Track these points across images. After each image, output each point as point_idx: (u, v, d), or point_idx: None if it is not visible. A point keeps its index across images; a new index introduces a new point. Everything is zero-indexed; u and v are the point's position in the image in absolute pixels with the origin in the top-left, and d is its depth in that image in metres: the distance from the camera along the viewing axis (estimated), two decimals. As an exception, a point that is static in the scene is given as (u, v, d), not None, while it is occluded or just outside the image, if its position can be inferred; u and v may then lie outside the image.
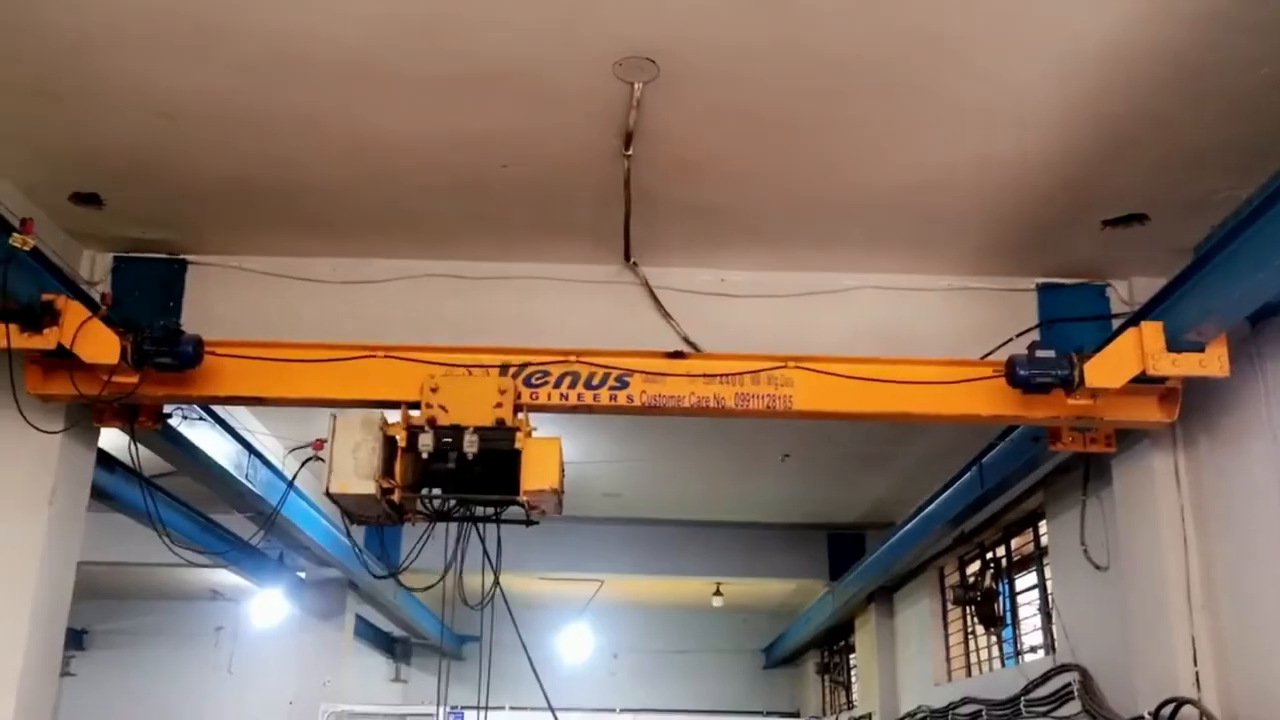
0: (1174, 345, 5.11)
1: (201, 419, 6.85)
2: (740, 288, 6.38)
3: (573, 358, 5.58)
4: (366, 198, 5.73)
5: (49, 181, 5.52)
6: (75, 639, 14.72)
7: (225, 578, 12.64)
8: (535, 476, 5.11)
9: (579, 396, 5.56)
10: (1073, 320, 6.32)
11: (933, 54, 4.50)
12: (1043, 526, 8.60)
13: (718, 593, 15.40)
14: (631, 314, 6.31)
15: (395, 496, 5.10)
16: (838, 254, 6.25)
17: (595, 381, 5.56)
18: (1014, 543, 9.54)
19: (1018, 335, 6.15)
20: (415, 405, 5.24)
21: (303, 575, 11.60)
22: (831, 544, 13.52)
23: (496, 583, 5.66)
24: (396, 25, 4.34)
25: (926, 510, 9.38)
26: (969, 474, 8.20)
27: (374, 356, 5.55)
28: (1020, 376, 5.28)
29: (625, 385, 5.57)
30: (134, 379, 5.27)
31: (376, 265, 6.28)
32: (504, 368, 5.47)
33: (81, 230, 6.06)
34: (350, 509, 5.25)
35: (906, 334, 6.27)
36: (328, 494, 5.03)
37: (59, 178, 5.51)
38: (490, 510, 5.40)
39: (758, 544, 13.50)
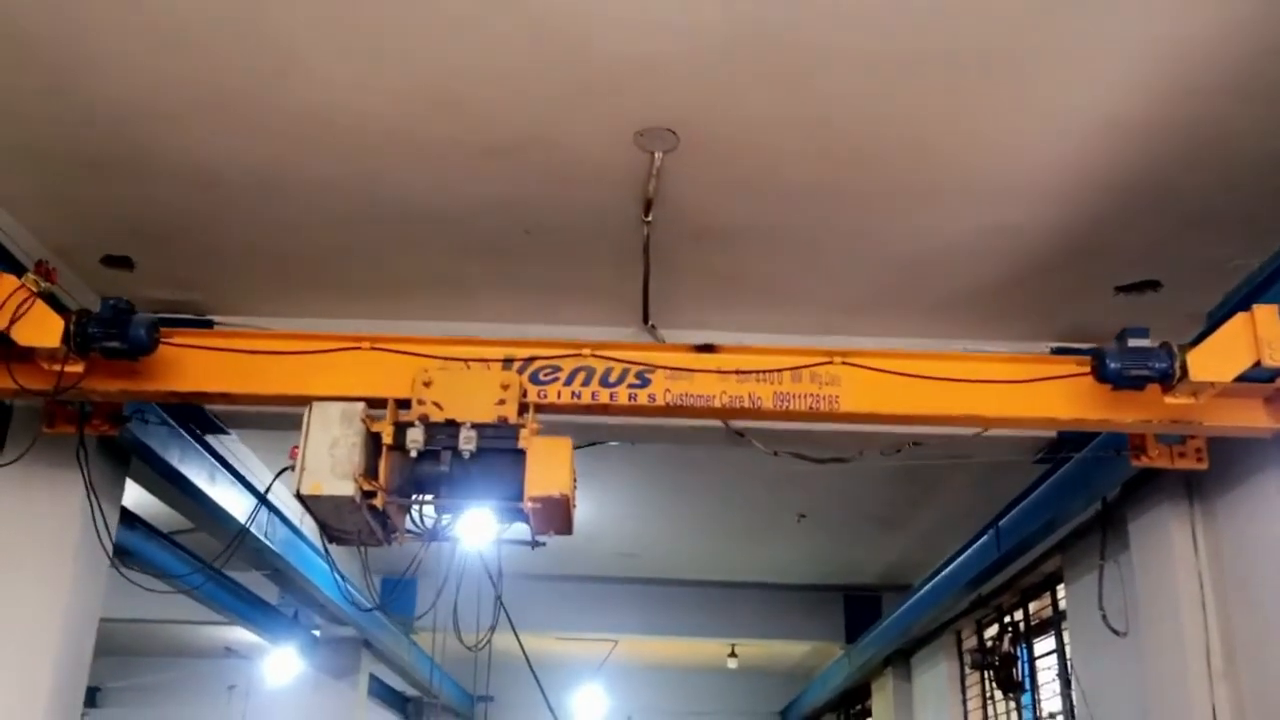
0: None
1: (221, 471, 6.92)
2: (756, 351, 6.43)
3: (587, 351, 4.87)
4: (392, 261, 5.84)
5: (82, 244, 5.65)
6: (89, 696, 14.59)
7: (239, 635, 12.62)
8: (542, 480, 4.32)
9: (593, 395, 4.81)
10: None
11: (948, 130, 4.61)
12: (1061, 590, 8.56)
13: (733, 654, 15.30)
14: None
15: (378, 502, 4.29)
16: (852, 318, 6.32)
17: (613, 379, 4.82)
18: (1032, 607, 9.48)
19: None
20: (406, 404, 4.52)
21: (317, 633, 11.58)
22: (848, 606, 13.45)
23: (499, 600, 5.21)
24: (422, 98, 4.48)
25: (943, 573, 9.35)
26: (986, 536, 8.20)
27: (359, 348, 4.82)
28: (1110, 370, 4.49)
29: (646, 383, 4.83)
30: (79, 368, 4.57)
31: (401, 327, 6.37)
32: (508, 361, 4.79)
33: (111, 291, 6.13)
34: (326, 518, 4.42)
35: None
36: (298, 496, 4.25)
37: (93, 241, 5.64)
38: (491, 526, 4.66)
39: (773, 605, 13.43)
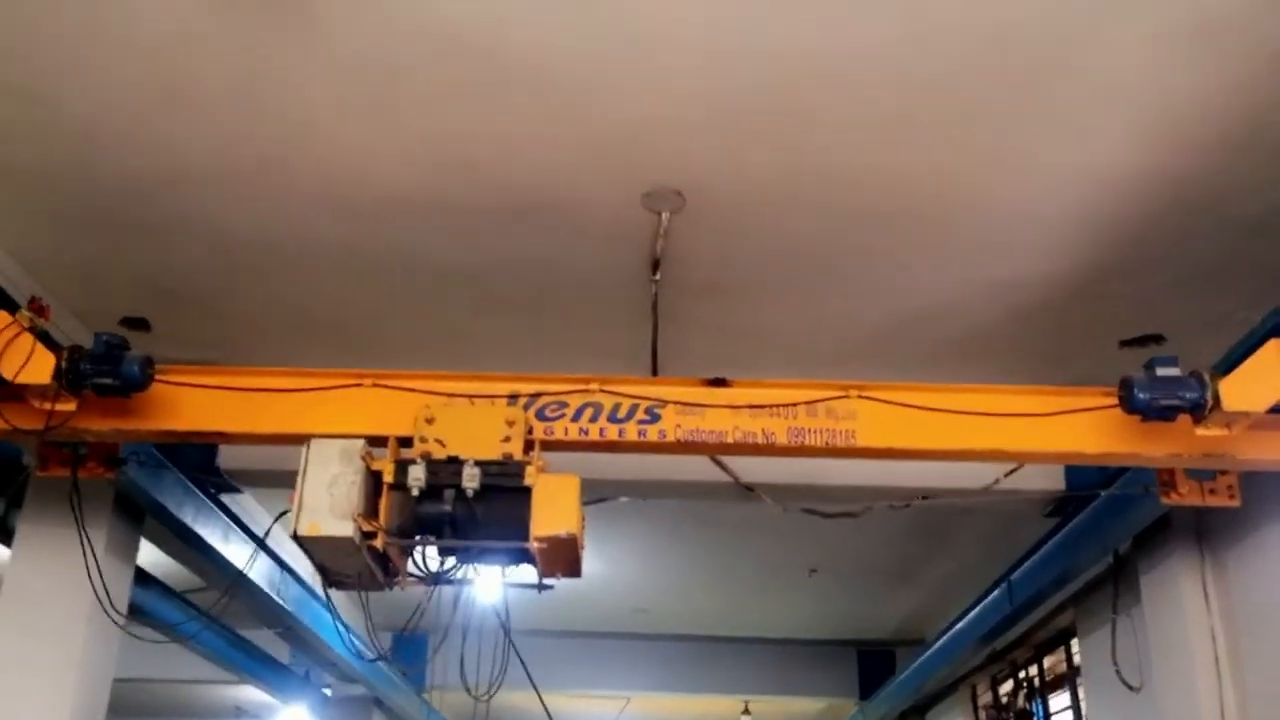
0: None
1: (234, 530, 6.96)
2: (765, 405, 6.47)
3: (595, 386, 4.69)
4: (404, 318, 5.93)
5: (101, 307, 5.76)
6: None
7: (250, 694, 12.56)
8: (549, 519, 4.14)
9: (601, 431, 4.66)
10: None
11: (947, 185, 4.70)
12: (1075, 645, 8.51)
13: (746, 711, 15.14)
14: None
15: (378, 543, 4.17)
16: (859, 372, 6.34)
17: (621, 414, 4.66)
18: (1046, 661, 9.42)
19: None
20: (408, 442, 4.38)
21: (328, 692, 11.54)
22: (861, 661, 13.36)
23: (510, 644, 5.10)
24: (435, 163, 4.60)
25: (956, 627, 9.29)
26: (998, 590, 8.17)
27: (360, 385, 4.67)
28: (1139, 401, 4.28)
29: (656, 419, 4.66)
30: (71, 406, 4.42)
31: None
32: (513, 397, 4.65)
33: (128, 352, 6.29)
34: (325, 560, 4.29)
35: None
36: (295, 537, 4.14)
37: (111, 304, 5.74)
38: (494, 568, 4.48)
39: (786, 661, 13.35)
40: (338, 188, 4.77)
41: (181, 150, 4.53)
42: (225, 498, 6.86)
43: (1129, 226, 4.90)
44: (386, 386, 4.66)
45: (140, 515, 6.17)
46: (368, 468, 4.20)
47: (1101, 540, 6.51)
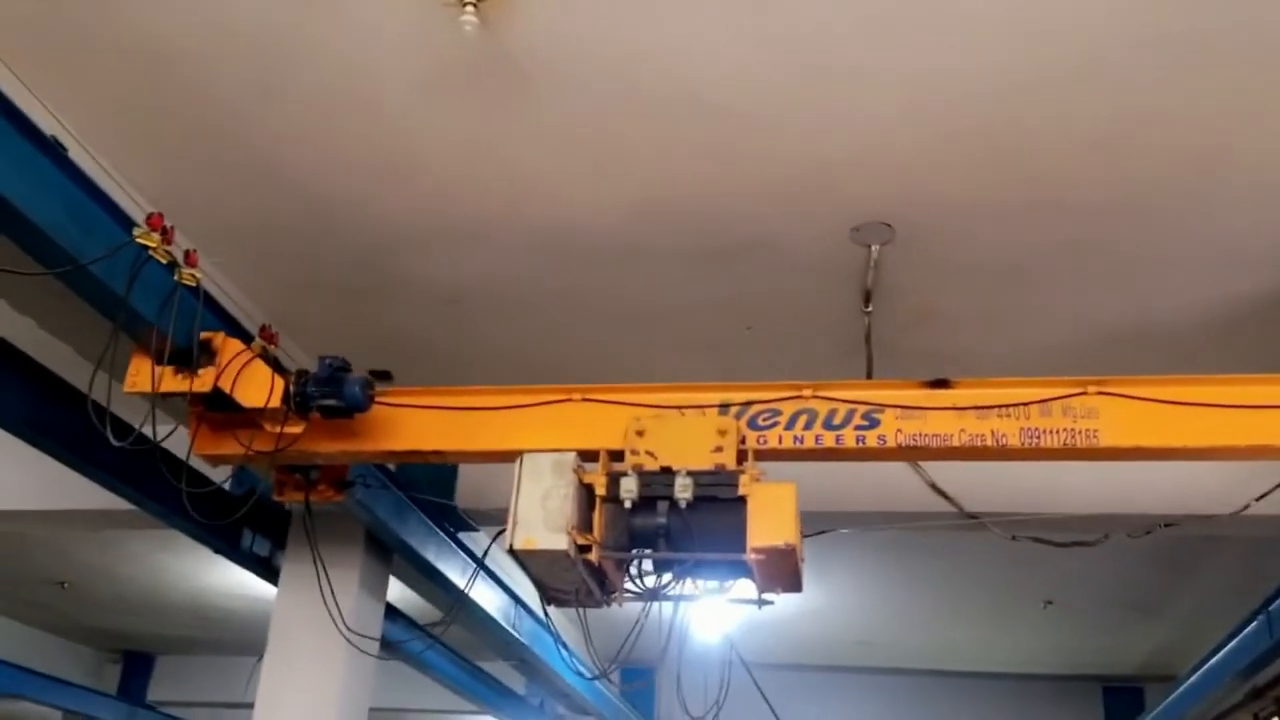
0: None
1: (469, 565, 7.33)
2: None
3: (808, 392, 4.48)
4: (625, 363, 6.15)
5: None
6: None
7: (490, 724, 13.12)
8: (765, 530, 4.00)
9: (817, 439, 4.43)
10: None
11: (1166, 201, 4.55)
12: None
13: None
14: (880, 463, 6.36)
15: (593, 556, 4.12)
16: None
17: (837, 421, 4.43)
18: (1316, 698, 8.69)
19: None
20: (619, 456, 4.31)
21: (561, 721, 11.91)
22: (1106, 697, 12.67)
23: (744, 666, 5.07)
24: (654, 210, 4.81)
25: (1211, 662, 8.72)
26: (1257, 621, 7.63)
27: (570, 400, 4.60)
28: None
29: (875, 424, 4.41)
30: (299, 429, 4.53)
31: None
32: (724, 407, 4.49)
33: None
34: (540, 575, 4.27)
35: (1176, 473, 6.01)
36: (510, 551, 4.13)
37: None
38: (713, 583, 4.35)
39: (1023, 696, 12.84)
40: (560, 238, 5.05)
41: (413, 214, 4.92)
42: (463, 535, 7.24)
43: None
44: (596, 400, 4.57)
45: (389, 554, 6.61)
46: (580, 481, 4.16)
47: (1373, 567, 6.01)
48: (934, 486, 6.13)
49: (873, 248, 4.90)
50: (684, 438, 4.26)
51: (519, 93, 4.13)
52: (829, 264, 5.07)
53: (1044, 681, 12.68)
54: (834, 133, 4.26)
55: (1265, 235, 4.67)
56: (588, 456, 4.30)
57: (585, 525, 4.14)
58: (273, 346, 4.65)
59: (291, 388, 4.46)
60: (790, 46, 3.85)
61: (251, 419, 4.57)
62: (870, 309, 5.32)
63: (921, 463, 5.67)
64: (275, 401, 4.45)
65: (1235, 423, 4.13)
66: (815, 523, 6.57)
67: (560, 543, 4.01)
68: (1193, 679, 9.24)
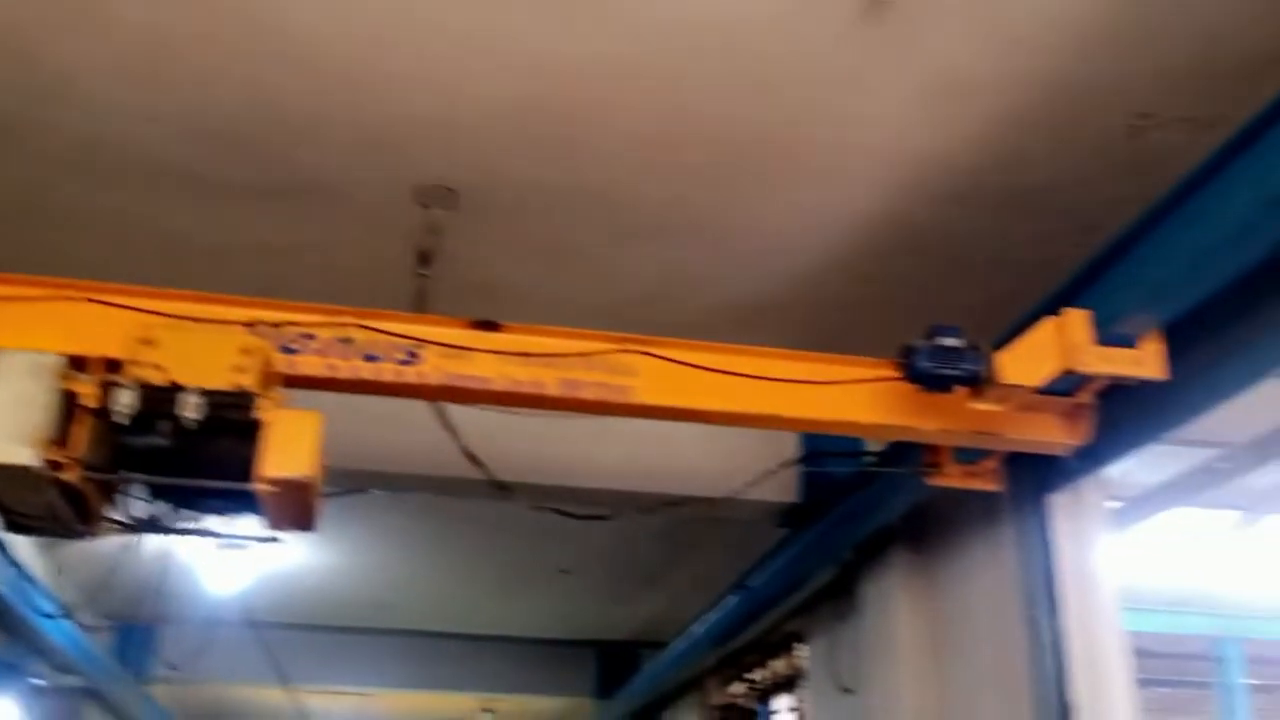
0: (1102, 338, 4.10)
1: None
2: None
3: (349, 319, 4.21)
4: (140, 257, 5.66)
5: None
6: None
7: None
8: (281, 459, 3.65)
9: (353, 369, 4.18)
10: (832, 455, 6.83)
11: (708, 207, 4.96)
12: (800, 650, 9.02)
13: (487, 709, 15.17)
14: (416, 426, 6.37)
15: (70, 476, 3.58)
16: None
17: (377, 352, 4.20)
18: (775, 665, 9.93)
19: (782, 466, 6.60)
20: (120, 367, 3.76)
21: (41, 682, 10.74)
22: (602, 661, 13.64)
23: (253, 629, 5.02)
24: (209, 133, 4.48)
25: (692, 630, 9.66)
26: (734, 596, 8.56)
27: (69, 299, 4.01)
28: (921, 370, 4.22)
29: (416, 359, 4.22)
30: None
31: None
32: (253, 324, 4.07)
33: None
34: (3, 497, 3.71)
35: (684, 460, 6.62)
36: None
37: None
38: (216, 518, 3.93)
39: (528, 659, 13.48)
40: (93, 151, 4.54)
41: None
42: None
43: (866, 263, 5.30)
44: (102, 302, 4.00)
45: None
46: (65, 389, 3.62)
47: (829, 551, 6.96)
48: (467, 452, 6.24)
49: (435, 211, 4.89)
50: (201, 352, 3.78)
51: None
52: (391, 222, 4.99)
53: (548, 645, 13.40)
54: (408, 90, 4.19)
55: (799, 221, 5.09)
56: (84, 366, 3.75)
57: (64, 439, 3.60)
58: None
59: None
60: (374, -9, 3.74)
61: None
62: (426, 272, 5.31)
63: (461, 405, 5.41)
64: None
65: (756, 392, 4.40)
66: (342, 481, 6.46)
67: (23, 456, 3.48)
68: (676, 645, 10.21)
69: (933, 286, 5.50)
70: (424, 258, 5.22)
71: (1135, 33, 3.87)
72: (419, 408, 6.38)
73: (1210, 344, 3.99)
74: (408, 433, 6.35)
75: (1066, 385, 4.29)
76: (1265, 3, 3.73)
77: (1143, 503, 5.97)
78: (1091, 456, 4.62)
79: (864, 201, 4.85)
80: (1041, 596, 4.92)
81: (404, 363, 4.19)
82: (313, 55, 4.02)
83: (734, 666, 10.59)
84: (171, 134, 4.45)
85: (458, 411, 6.39)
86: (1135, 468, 5.84)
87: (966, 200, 4.82)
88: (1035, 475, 4.96)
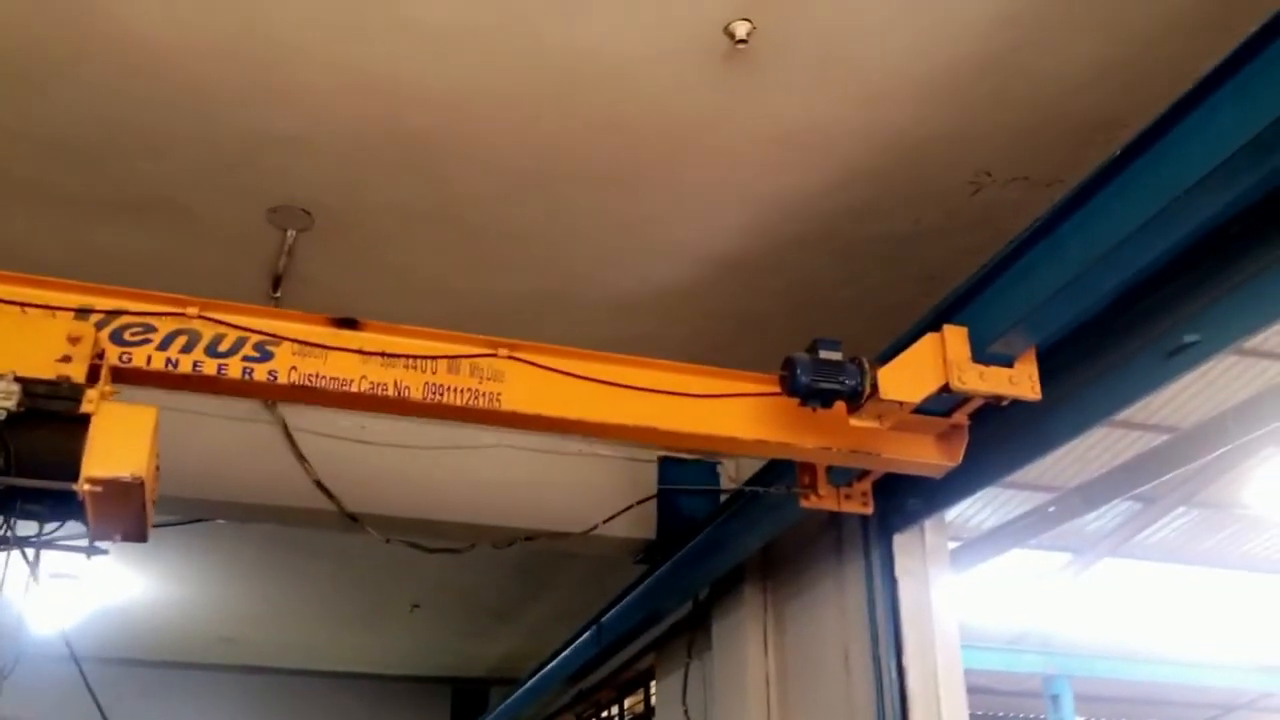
0: (979, 356, 4.04)
1: None
2: (380, 436, 6.43)
3: (193, 311, 3.81)
4: None
5: None
6: None
7: None
8: (108, 457, 3.29)
9: (195, 365, 3.77)
10: (688, 491, 6.91)
11: (569, 241, 4.98)
12: (654, 686, 9.04)
13: (333, 748, 14.72)
14: (267, 455, 6.20)
15: None
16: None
17: (224, 348, 3.81)
18: (627, 702, 9.92)
19: (639, 502, 6.64)
20: None
21: None
22: (455, 698, 13.42)
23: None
24: (47, 143, 4.30)
25: (547, 667, 9.58)
26: (588, 632, 8.53)
27: None
28: (801, 384, 4.03)
29: (268, 356, 3.84)
30: None
31: None
32: (84, 311, 3.69)
33: None
34: None
35: (539, 494, 6.60)
36: None
37: None
38: (32, 524, 3.46)
39: (380, 697, 13.16)
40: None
41: None
42: None
43: (725, 303, 5.40)
44: None
45: None
46: None
47: (683, 588, 7.00)
48: (319, 484, 6.10)
49: (289, 232, 4.79)
50: (21, 339, 3.46)
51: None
52: (243, 242, 4.87)
53: (402, 682, 13.09)
54: (262, 108, 4.10)
55: (661, 257, 5.13)
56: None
57: None
58: None
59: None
60: (232, 6, 3.65)
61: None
62: (279, 295, 5.19)
63: (316, 406, 4.85)
64: None
65: (630, 403, 4.19)
66: (188, 510, 6.23)
67: None
68: (530, 682, 10.09)
69: (788, 327, 5.63)
70: (277, 281, 5.11)
71: (978, 95, 4.07)
72: (270, 435, 6.23)
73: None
74: (257, 461, 6.18)
75: (943, 405, 4.26)
76: (1091, 72, 3.97)
77: (980, 544, 6.20)
78: (935, 496, 4.79)
79: (723, 240, 4.95)
80: (884, 633, 5.06)
81: (254, 360, 3.82)
82: (156, 65, 3.90)
83: (588, 703, 10.54)
84: (3, 139, 4.26)
85: (310, 440, 6.25)
86: (973, 510, 6.09)
87: (820, 246, 4.96)
88: (881, 514, 5.09)
